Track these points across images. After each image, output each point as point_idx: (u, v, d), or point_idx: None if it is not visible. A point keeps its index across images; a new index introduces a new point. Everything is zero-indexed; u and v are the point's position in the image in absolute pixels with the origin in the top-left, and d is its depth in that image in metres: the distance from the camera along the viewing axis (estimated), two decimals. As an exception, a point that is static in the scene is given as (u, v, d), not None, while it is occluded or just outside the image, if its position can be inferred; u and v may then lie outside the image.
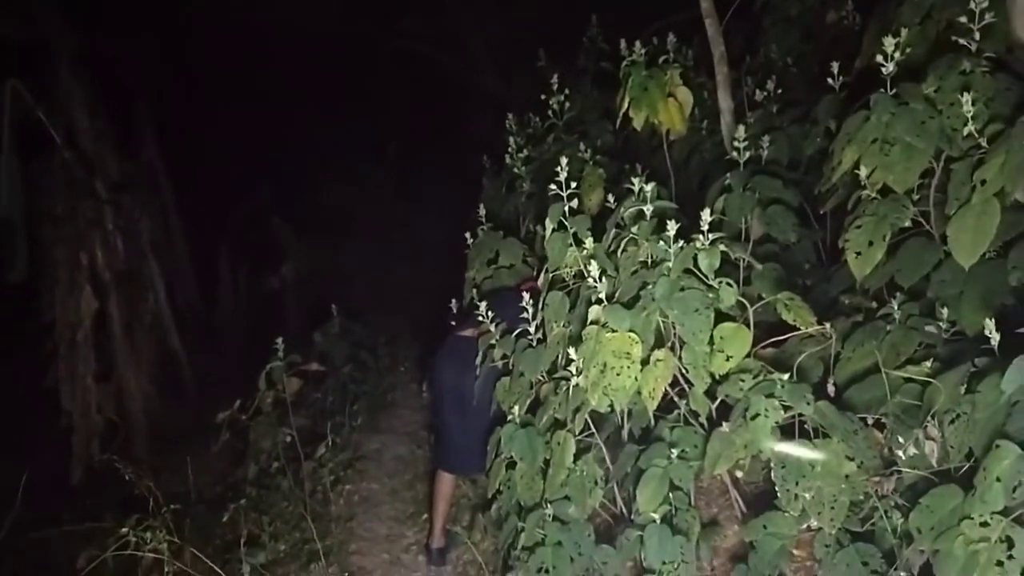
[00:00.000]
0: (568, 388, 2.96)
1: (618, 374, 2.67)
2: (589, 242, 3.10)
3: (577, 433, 2.95)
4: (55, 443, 7.11)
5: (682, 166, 4.92)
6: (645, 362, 2.73)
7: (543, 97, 5.25)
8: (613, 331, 2.73)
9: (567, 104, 5.26)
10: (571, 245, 3.20)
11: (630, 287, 2.88)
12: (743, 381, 2.58)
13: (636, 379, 2.68)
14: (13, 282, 6.63)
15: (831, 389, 2.62)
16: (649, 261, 2.95)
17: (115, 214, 7.73)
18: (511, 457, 3.25)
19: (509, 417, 3.34)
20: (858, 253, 2.65)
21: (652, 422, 3.17)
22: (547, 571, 2.90)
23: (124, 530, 3.14)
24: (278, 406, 4.85)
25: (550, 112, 5.27)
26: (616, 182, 4.70)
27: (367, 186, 11.53)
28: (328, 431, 5.14)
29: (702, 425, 3.00)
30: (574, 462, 3.02)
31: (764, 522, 2.66)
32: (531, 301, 3.38)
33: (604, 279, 2.84)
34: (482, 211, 4.72)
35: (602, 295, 2.80)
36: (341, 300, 7.33)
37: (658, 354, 2.70)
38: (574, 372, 2.95)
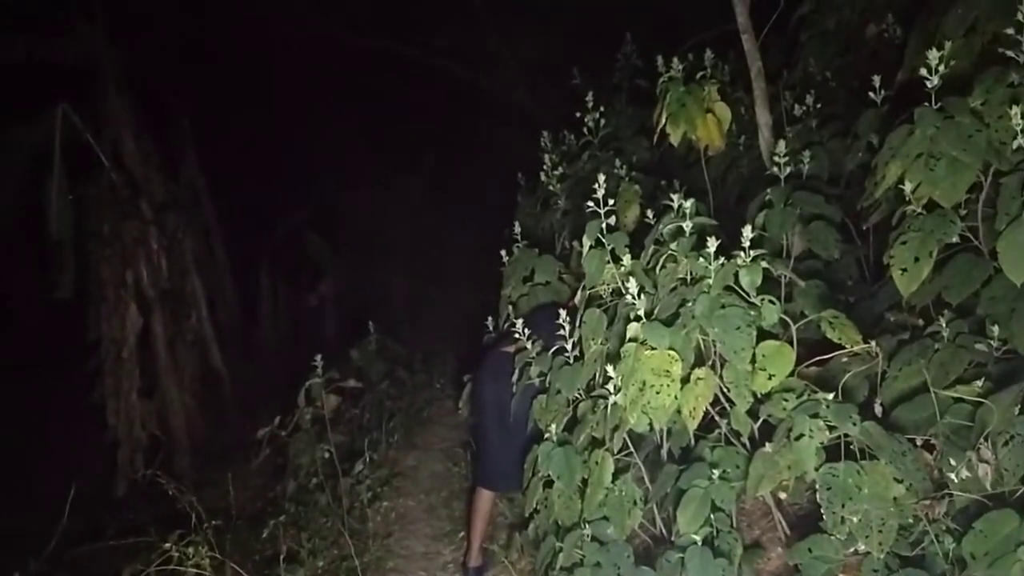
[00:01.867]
0: (606, 406, 2.94)
1: (657, 392, 2.64)
2: (627, 259, 3.09)
3: (615, 452, 2.92)
4: (101, 457, 7.28)
5: (719, 182, 4.88)
6: (685, 380, 2.70)
7: (578, 114, 5.25)
8: (652, 349, 2.71)
9: (602, 121, 5.26)
10: (608, 262, 3.19)
11: (669, 304, 2.85)
12: (786, 401, 2.53)
13: (676, 398, 2.65)
14: (61, 299, 6.83)
15: (878, 409, 2.55)
16: (689, 278, 2.92)
17: (159, 233, 7.92)
18: (548, 476, 3.23)
19: (546, 436, 3.33)
20: (904, 270, 2.60)
21: (692, 442, 3.13)
22: (586, 592, 2.87)
23: (167, 545, 3.19)
24: (316, 423, 4.89)
25: (585, 129, 5.27)
26: (652, 199, 4.68)
27: (402, 201, 11.64)
28: (365, 447, 5.17)
29: (744, 445, 2.95)
30: (612, 482, 2.98)
31: (809, 545, 2.60)
32: (568, 319, 3.38)
33: (643, 296, 2.82)
34: (517, 228, 4.72)
35: (640, 312, 2.79)
36: (377, 316, 7.39)
37: (699, 372, 2.67)
38: (612, 390, 2.93)
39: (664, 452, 3.26)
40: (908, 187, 2.65)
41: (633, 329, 2.78)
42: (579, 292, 3.38)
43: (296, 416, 4.69)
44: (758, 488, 2.56)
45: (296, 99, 11.30)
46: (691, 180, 4.65)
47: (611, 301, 3.27)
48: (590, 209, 3.20)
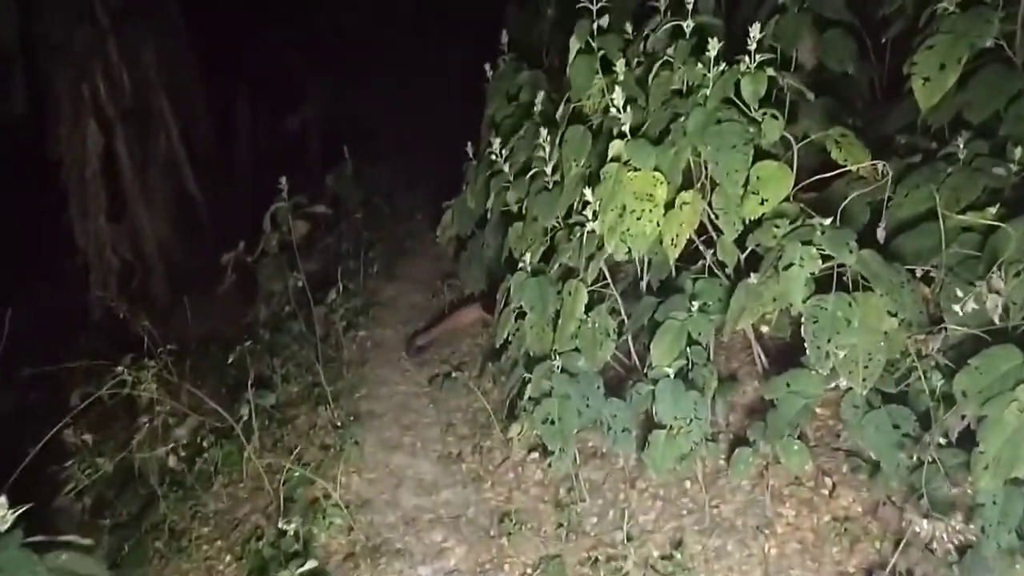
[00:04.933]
0: (583, 234, 2.70)
1: (638, 218, 2.39)
2: (620, 65, 2.71)
3: (590, 283, 2.72)
4: (76, 282, 7.13)
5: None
6: (670, 205, 2.44)
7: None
8: (636, 170, 2.42)
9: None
10: (598, 72, 2.82)
11: (659, 119, 2.54)
12: (778, 227, 2.29)
13: (658, 224, 2.40)
14: (14, 114, 6.38)
15: (881, 235, 2.31)
16: (684, 89, 2.58)
17: (119, 44, 7.30)
18: (521, 306, 3.06)
19: (520, 265, 3.12)
20: (926, 79, 2.27)
21: (673, 273, 2.93)
22: (553, 422, 2.77)
23: (119, 368, 3.06)
24: (286, 250, 4.67)
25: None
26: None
27: (389, 19, 10.77)
28: (339, 276, 4.99)
29: (728, 277, 2.75)
30: (586, 313, 2.81)
31: (788, 380, 2.46)
32: (547, 138, 3.06)
33: (630, 110, 2.49)
34: (504, 38, 4.26)
35: (626, 128, 2.47)
36: (361, 141, 6.98)
37: (685, 196, 2.41)
38: (590, 216, 2.68)
39: (643, 284, 3.06)
40: (944, -20, 2.26)
41: (616, 147, 2.49)
42: (562, 106, 3.03)
43: (262, 242, 4.46)
44: (738, 321, 2.38)
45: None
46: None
47: (599, 119, 2.94)
48: (580, 4, 2.79)
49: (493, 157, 3.43)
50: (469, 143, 4.47)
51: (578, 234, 2.75)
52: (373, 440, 3.89)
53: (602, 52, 2.80)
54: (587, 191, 2.57)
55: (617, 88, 2.44)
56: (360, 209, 6.35)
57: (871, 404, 2.24)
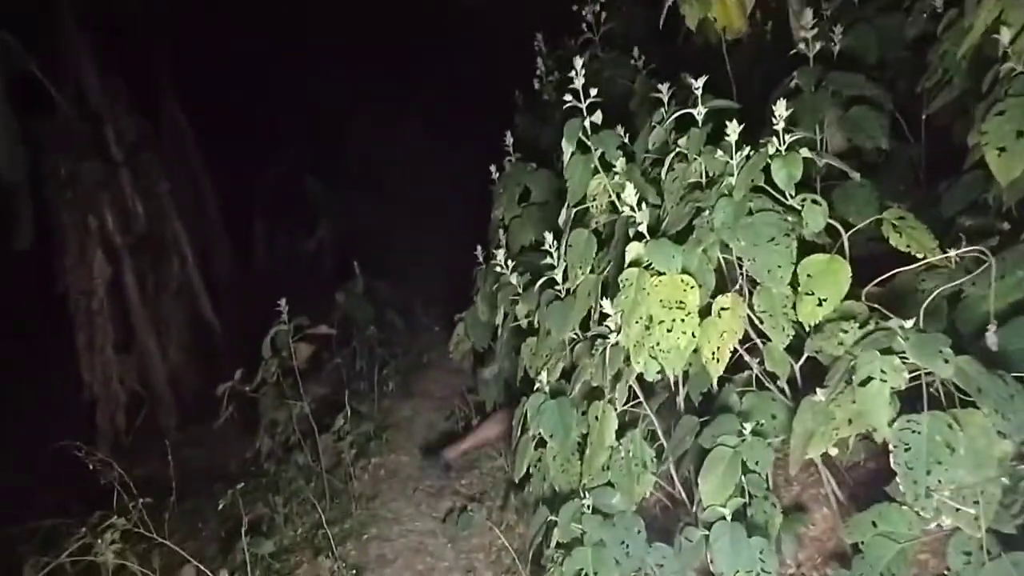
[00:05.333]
0: (605, 348, 2.32)
1: (669, 330, 2.01)
2: (620, 163, 2.41)
3: (620, 405, 2.31)
4: (81, 417, 6.84)
5: (745, 80, 4.13)
6: (705, 312, 2.07)
7: (575, 7, 4.50)
8: (660, 274, 2.06)
9: (603, 15, 4.50)
10: (597, 171, 2.52)
11: (679, 216, 2.20)
12: (845, 332, 1.89)
13: (693, 335, 2.02)
14: (20, 249, 6.27)
15: (992, 340, 1.87)
16: (704, 180, 2.26)
17: (133, 176, 7.31)
18: (540, 434, 2.64)
19: (536, 385, 2.73)
20: (1001, 150, 1.91)
21: (715, 386, 2.52)
22: (586, 577, 2.30)
23: (83, 530, 2.66)
24: (289, 375, 4.33)
25: (584, 25, 4.52)
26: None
27: (399, 138, 10.89)
28: (347, 400, 4.62)
29: (781, 390, 2.33)
30: (617, 440, 2.39)
31: (873, 518, 2.00)
32: (555, 243, 2.74)
33: (644, 208, 2.16)
34: (509, 140, 4.04)
35: (643, 228, 2.13)
36: (374, 255, 6.77)
37: (722, 301, 2.03)
38: (612, 328, 2.31)
39: (680, 398, 2.65)
40: (1006, 36, 1.95)
41: (634, 250, 2.14)
42: (563, 211, 2.72)
43: (260, 370, 4.13)
44: (806, 448, 1.94)
45: (285, 36, 10.47)
46: (712, 82, 3.91)
47: (602, 220, 2.61)
48: (568, 104, 2.52)
49: (499, 268, 3.11)
50: (479, 247, 4.19)
51: (600, 349, 2.37)
52: (383, 593, 3.40)
53: (599, 151, 2.50)
54: (604, 302, 2.20)
55: (628, 185, 2.11)
56: (372, 326, 6.04)
57: (988, 550, 1.76)
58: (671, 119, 2.35)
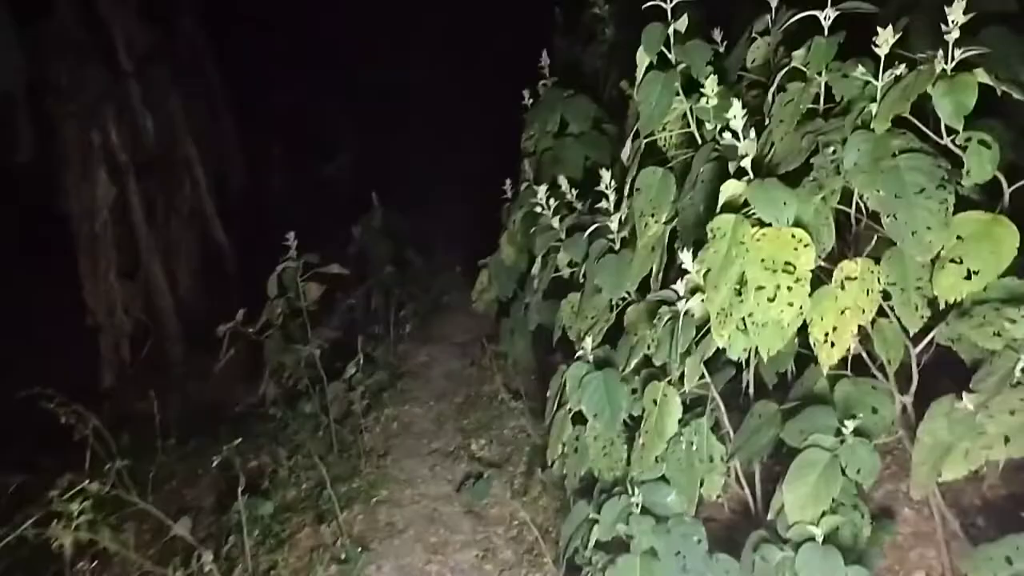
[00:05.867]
0: (676, 318, 1.84)
1: (771, 299, 1.53)
2: (711, 82, 1.89)
3: (689, 386, 1.85)
4: (85, 345, 6.54)
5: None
6: (817, 280, 1.58)
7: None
8: (764, 225, 1.57)
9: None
10: (678, 94, 2.00)
11: (791, 151, 1.69)
12: (1011, 321, 1.41)
13: (801, 309, 1.54)
14: (20, 163, 5.86)
15: None
16: (826, 108, 1.74)
17: (142, 89, 6.81)
18: (580, 409, 2.21)
19: (579, 352, 2.28)
20: None
21: (792, 367, 2.07)
22: (634, 596, 1.89)
23: (52, 494, 2.28)
24: (297, 316, 3.92)
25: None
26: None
27: (423, 65, 10.23)
28: (359, 346, 4.22)
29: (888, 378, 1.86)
30: (680, 429, 1.95)
31: (1010, 552, 1.56)
32: (612, 183, 2.25)
33: (752, 135, 1.65)
34: (544, 60, 3.51)
35: (747, 162, 1.63)
36: (397, 189, 6.30)
37: (849, 268, 1.54)
38: (684, 292, 1.84)
39: (748, 377, 2.19)
40: None
41: (731, 190, 1.64)
42: (627, 143, 2.21)
43: (265, 310, 3.72)
44: (939, 467, 1.49)
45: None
46: None
47: (682, 155, 2.11)
48: (648, 3, 1.99)
49: (538, 208, 2.62)
50: (508, 181, 3.70)
51: (665, 318, 1.90)
52: (390, 569, 3.03)
53: (682, 65, 1.97)
54: (685, 256, 1.72)
55: (735, 102, 1.60)
56: (389, 264, 5.60)
57: None
58: (784, 24, 1.81)
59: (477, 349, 5.22)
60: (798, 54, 1.83)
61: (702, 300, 1.75)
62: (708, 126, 1.92)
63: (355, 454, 3.93)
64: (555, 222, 2.60)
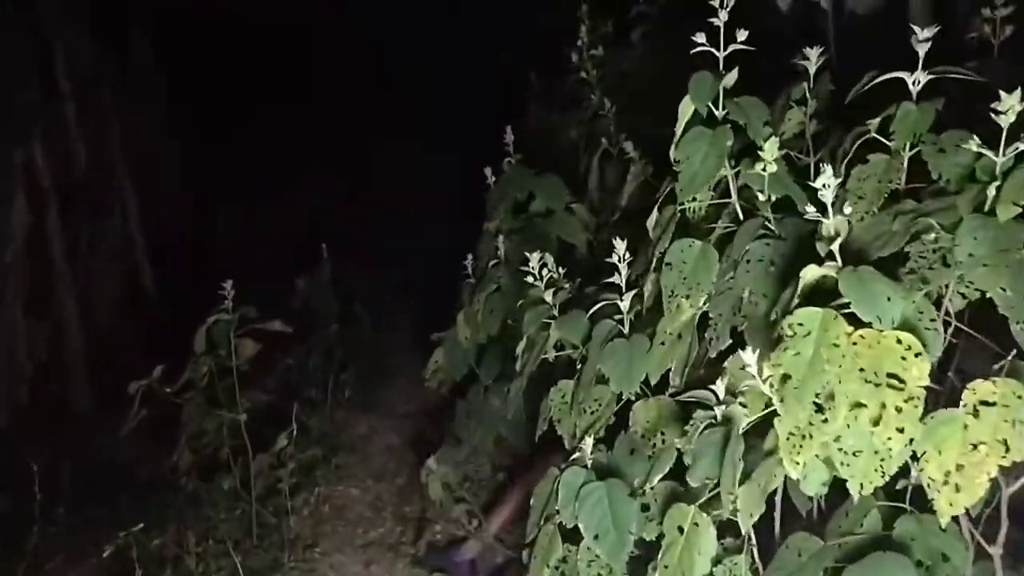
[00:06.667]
0: (722, 429, 1.46)
1: (875, 421, 1.17)
2: (771, 146, 1.57)
3: (744, 525, 1.46)
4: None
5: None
6: (932, 400, 1.23)
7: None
8: (861, 326, 1.22)
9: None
10: (731, 157, 1.68)
11: (879, 233, 1.37)
12: None
13: (911, 439, 1.18)
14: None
15: None
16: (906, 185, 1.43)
17: (80, 112, 6.30)
18: (575, 527, 1.79)
19: (576, 454, 1.88)
20: None
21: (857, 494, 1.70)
22: None
23: None
24: (227, 375, 3.42)
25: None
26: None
27: (386, 114, 9.94)
28: (295, 414, 3.70)
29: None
30: (712, 568, 1.54)
31: None
32: (625, 254, 1.91)
33: (843, 212, 1.32)
34: (509, 136, 3.23)
35: (834, 246, 1.28)
36: (345, 244, 5.90)
37: (984, 389, 1.19)
38: (721, 393, 1.48)
39: (777, 503, 1.81)
40: None
41: (812, 274, 1.29)
42: (655, 212, 1.88)
43: (188, 368, 3.21)
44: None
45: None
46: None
47: (722, 228, 1.77)
48: (698, 46, 1.68)
49: (531, 279, 2.24)
50: (470, 257, 3.36)
51: (701, 425, 1.52)
52: None
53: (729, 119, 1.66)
54: (747, 355, 1.35)
55: (826, 169, 1.27)
56: (335, 321, 5.12)
57: None
58: (862, 89, 1.52)
59: (424, 424, 4.76)
60: (874, 123, 1.53)
61: (745, 410, 1.39)
62: (760, 196, 1.59)
63: (277, 542, 3.37)
64: (548, 296, 2.22)
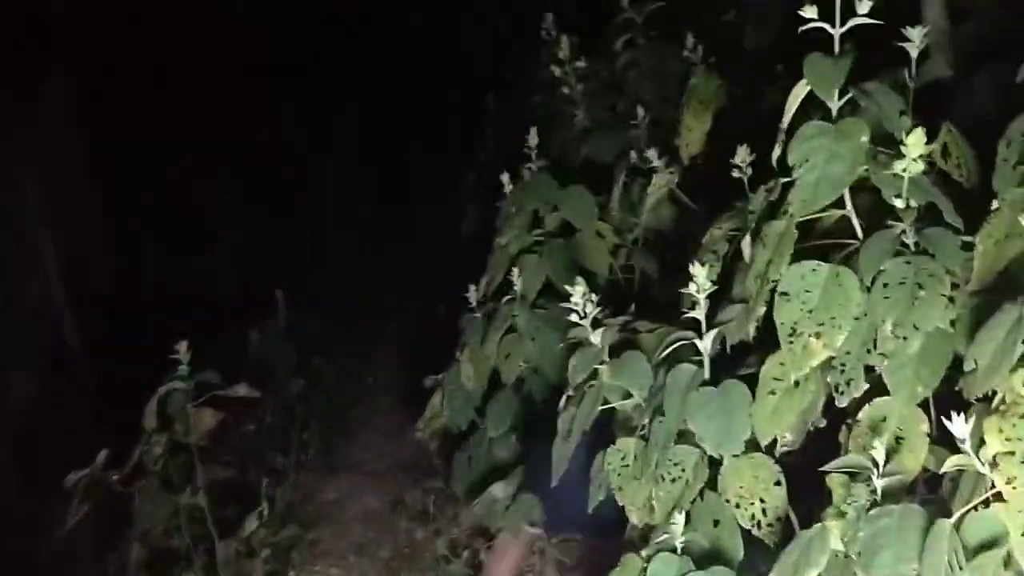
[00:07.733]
0: (899, 512, 1.10)
1: None
2: (916, 140, 1.23)
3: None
4: None
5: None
6: None
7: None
8: None
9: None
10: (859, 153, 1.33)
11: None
12: None
13: None
14: None
15: None
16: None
17: (-15, 162, 5.68)
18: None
19: (660, 537, 1.50)
20: None
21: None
22: None
23: None
24: (181, 453, 2.90)
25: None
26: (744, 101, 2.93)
27: (331, 139, 9.46)
28: (263, 492, 3.19)
29: None
30: None
31: None
32: (703, 273, 1.55)
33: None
34: (533, 140, 2.85)
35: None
36: (297, 287, 5.46)
37: None
38: (879, 460, 1.13)
39: None
40: None
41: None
42: (748, 233, 1.53)
43: (138, 451, 2.69)
44: None
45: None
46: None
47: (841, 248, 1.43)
48: (805, 26, 1.35)
49: (574, 316, 1.85)
50: (472, 286, 2.97)
51: (862, 498, 1.15)
52: None
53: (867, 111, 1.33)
54: (956, 425, 0.99)
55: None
56: (294, 374, 4.61)
57: None
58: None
59: (401, 482, 4.28)
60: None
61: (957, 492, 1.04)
62: (898, 203, 1.26)
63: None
64: (595, 337, 1.84)
